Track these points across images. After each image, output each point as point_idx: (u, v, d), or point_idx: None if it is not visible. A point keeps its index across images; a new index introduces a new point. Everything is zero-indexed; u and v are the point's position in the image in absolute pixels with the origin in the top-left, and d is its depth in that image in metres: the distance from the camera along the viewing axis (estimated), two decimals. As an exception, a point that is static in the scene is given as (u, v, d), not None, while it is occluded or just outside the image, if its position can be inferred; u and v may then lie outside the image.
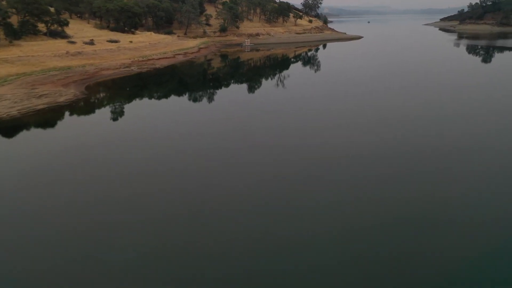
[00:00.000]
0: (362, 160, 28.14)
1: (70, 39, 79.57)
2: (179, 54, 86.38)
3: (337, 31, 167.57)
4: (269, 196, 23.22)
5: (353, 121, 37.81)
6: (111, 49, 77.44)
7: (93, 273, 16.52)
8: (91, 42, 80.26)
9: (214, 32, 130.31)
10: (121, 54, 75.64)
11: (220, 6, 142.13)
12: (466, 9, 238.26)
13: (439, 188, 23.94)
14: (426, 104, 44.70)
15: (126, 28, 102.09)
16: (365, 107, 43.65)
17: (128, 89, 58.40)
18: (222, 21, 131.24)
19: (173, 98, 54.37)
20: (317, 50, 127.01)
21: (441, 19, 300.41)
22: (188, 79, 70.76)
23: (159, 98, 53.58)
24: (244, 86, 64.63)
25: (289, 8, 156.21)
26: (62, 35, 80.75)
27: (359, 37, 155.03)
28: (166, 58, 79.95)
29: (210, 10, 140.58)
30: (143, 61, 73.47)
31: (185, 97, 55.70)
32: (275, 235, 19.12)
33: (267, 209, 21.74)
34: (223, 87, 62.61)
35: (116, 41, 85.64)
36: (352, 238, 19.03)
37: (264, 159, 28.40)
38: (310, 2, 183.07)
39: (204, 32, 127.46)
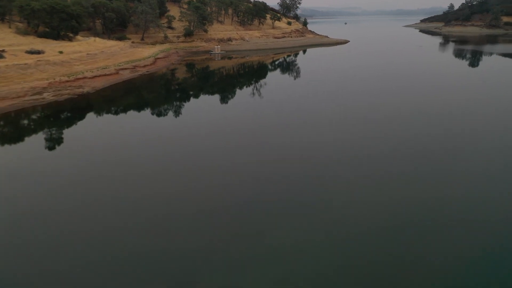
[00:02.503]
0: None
1: (-32, 51, 57.04)
2: (125, 68, 64.95)
3: (320, 35, 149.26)
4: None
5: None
6: (25, 64, 55.19)
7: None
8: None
9: (178, 37, 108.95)
10: (37, 72, 53.68)
11: (186, 6, 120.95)
12: (435, 11, 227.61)
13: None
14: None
15: (62, 33, 79.73)
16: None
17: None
18: (187, 23, 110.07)
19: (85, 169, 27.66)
20: (301, 58, 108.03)
21: (422, 20, 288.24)
22: (126, 117, 43.60)
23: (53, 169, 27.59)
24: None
25: (265, 8, 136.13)
26: (-42, 45, 58.07)
27: (345, 41, 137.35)
28: (105, 75, 58.49)
29: (173, 10, 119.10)
30: (67, 81, 51.90)
31: (112, 166, 28.28)
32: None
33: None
34: (186, 137, 36.11)
35: (38, 52, 63.34)
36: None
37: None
38: (288, 2, 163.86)
39: (165, 37, 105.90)
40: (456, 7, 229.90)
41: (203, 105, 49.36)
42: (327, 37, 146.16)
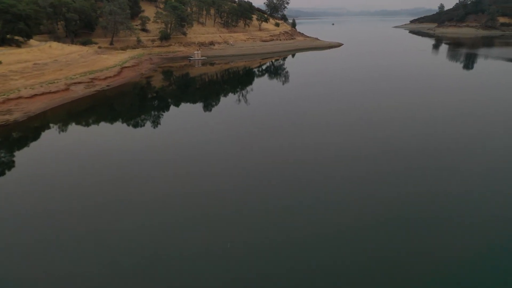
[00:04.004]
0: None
1: None
2: (79, 82, 52.10)
3: (311, 37, 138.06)
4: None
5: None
6: None
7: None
8: None
9: (153, 40, 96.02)
10: (-46, 91, 40.56)
11: (162, 6, 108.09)
12: (419, 11, 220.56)
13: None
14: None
15: (8, 38, 66.29)
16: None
17: None
18: (163, 26, 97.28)
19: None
20: (297, 63, 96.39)
21: (412, 21, 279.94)
22: (60, 162, 30.32)
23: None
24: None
25: (251, 8, 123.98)
26: None
27: (338, 44, 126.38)
28: (49, 93, 45.62)
29: (149, 11, 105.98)
30: (-8, 105, 38.95)
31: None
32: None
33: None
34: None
35: (-32, 63, 50.11)
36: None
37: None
38: (275, 1, 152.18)
39: (139, 41, 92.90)
40: (445, 7, 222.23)
41: (183, 141, 37.23)
42: (318, 39, 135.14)
